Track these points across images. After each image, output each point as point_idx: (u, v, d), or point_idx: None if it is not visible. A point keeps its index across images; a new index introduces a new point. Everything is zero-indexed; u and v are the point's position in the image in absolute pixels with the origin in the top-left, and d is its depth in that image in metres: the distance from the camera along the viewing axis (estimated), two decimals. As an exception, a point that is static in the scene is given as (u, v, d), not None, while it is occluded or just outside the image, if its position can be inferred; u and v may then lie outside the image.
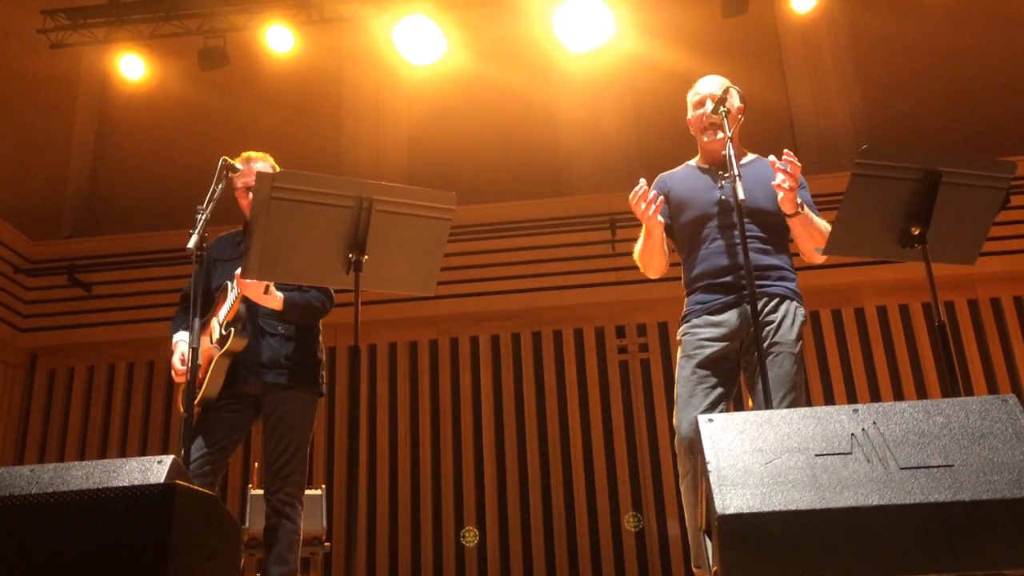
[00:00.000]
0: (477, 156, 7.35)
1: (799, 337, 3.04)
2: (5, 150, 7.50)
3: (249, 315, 3.42)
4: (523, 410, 6.56)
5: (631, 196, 3.02)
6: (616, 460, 6.37)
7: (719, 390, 3.02)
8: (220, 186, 3.28)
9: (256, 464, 5.25)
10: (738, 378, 3.12)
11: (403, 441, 6.58)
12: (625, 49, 7.11)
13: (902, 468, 1.96)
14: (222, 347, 3.33)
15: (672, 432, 3.11)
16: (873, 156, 2.72)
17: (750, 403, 3.06)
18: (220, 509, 2.20)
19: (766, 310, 3.05)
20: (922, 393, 6.21)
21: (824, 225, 3.07)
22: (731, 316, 3.06)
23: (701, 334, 3.08)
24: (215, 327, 3.46)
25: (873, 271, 6.23)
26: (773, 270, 3.11)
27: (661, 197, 3.06)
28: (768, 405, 2.70)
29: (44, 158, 7.80)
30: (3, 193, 7.27)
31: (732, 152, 2.94)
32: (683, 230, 3.24)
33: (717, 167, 3.21)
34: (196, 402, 3.39)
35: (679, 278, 3.32)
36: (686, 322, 3.17)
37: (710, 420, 2.14)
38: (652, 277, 3.31)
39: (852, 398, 6.26)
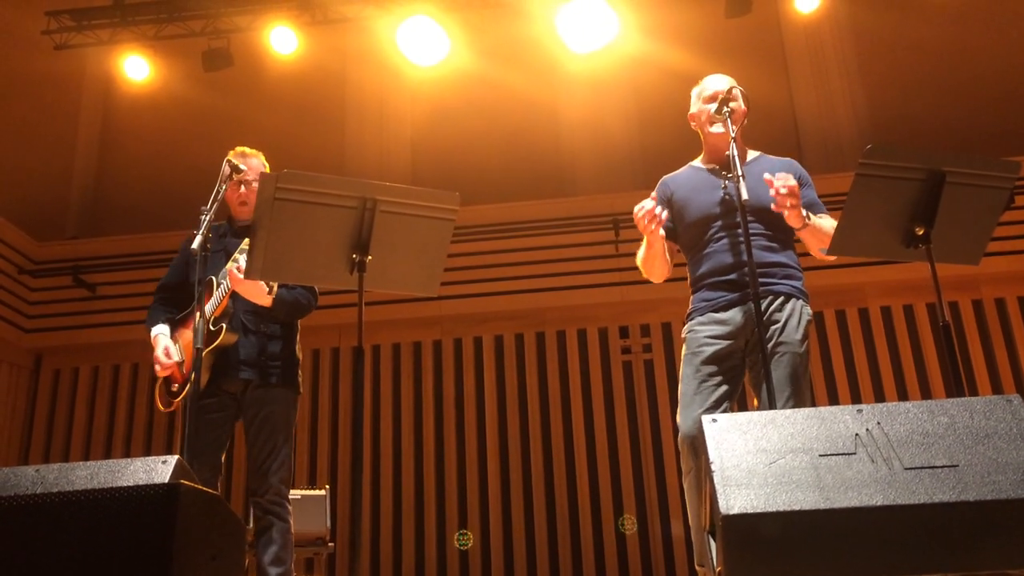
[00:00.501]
0: (480, 156, 7.36)
1: (805, 336, 3.03)
2: (9, 151, 7.52)
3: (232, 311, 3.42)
4: (526, 410, 6.56)
5: (637, 209, 2.99)
6: (620, 460, 6.36)
7: (723, 388, 3.01)
8: (224, 187, 3.29)
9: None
10: (743, 377, 3.11)
11: (407, 441, 6.59)
12: (629, 49, 7.10)
13: (906, 468, 1.96)
14: (211, 342, 3.31)
15: (676, 432, 3.10)
16: (877, 156, 2.71)
17: (755, 402, 3.06)
18: (224, 509, 2.20)
19: (771, 308, 3.04)
20: (926, 393, 6.20)
21: (832, 225, 3.05)
22: (736, 314, 3.05)
23: (705, 331, 3.07)
24: (199, 322, 3.46)
25: (877, 271, 6.22)
26: (779, 268, 3.11)
27: (665, 213, 3.04)
28: (772, 405, 2.69)
29: (48, 159, 7.81)
30: (7, 194, 7.29)
31: (736, 152, 2.94)
32: (688, 231, 3.23)
33: (721, 166, 3.20)
34: (180, 397, 3.40)
35: (683, 278, 3.32)
36: (691, 319, 3.17)
37: (714, 420, 2.13)
38: (655, 282, 3.31)
39: (856, 398, 6.25)
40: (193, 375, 3.15)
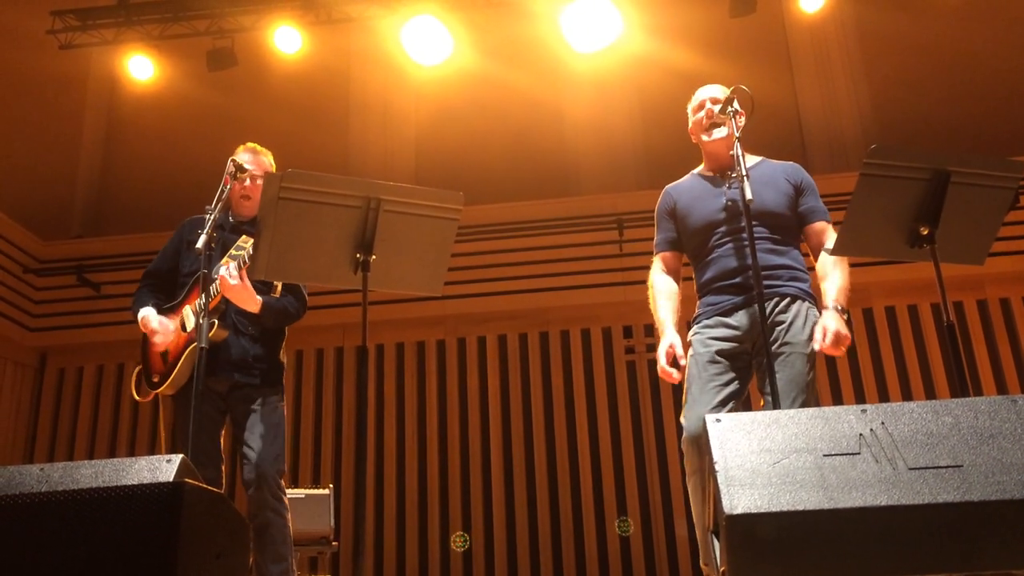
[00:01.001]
0: (484, 156, 7.36)
1: (811, 338, 3.02)
2: (14, 150, 7.53)
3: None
4: (530, 410, 6.56)
5: (663, 358, 3.04)
6: (623, 460, 6.36)
7: (728, 389, 3.01)
8: (229, 186, 3.29)
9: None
10: (749, 379, 3.11)
11: (410, 441, 6.59)
12: (633, 49, 7.10)
13: (911, 468, 1.96)
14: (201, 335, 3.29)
15: (680, 432, 3.10)
16: (881, 156, 2.71)
17: (761, 404, 3.05)
18: (229, 508, 2.21)
19: (777, 310, 3.04)
20: (931, 393, 6.18)
21: (845, 273, 3.13)
22: (742, 317, 3.05)
23: (711, 333, 3.08)
24: (188, 314, 3.46)
25: (882, 271, 6.20)
26: (784, 270, 3.11)
27: (680, 356, 3.07)
28: (777, 406, 2.69)
29: (53, 158, 7.83)
30: (12, 193, 7.30)
31: (740, 151, 2.94)
32: (692, 239, 3.25)
33: (721, 173, 3.21)
34: (162, 388, 3.40)
35: (687, 278, 3.32)
36: (697, 323, 3.18)
37: (718, 420, 2.13)
38: None
39: (860, 398, 6.24)
40: (168, 363, 3.15)
